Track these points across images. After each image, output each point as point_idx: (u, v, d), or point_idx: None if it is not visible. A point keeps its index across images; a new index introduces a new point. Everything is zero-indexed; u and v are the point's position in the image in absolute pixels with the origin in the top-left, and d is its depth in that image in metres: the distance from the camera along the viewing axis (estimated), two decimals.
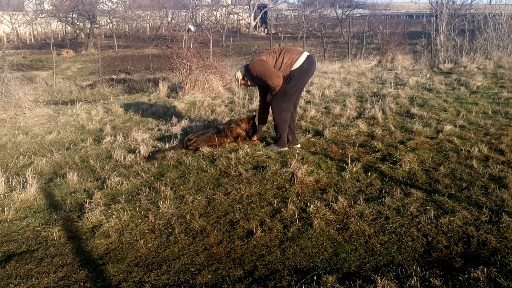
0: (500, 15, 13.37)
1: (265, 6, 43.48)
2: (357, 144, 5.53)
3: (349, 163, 4.72)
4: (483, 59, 12.39)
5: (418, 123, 6.21)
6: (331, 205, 3.81)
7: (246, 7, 42.40)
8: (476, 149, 5.01)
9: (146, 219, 3.73)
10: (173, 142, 5.83)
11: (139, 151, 5.53)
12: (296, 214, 3.65)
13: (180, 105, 8.49)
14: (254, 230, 3.44)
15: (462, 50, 13.30)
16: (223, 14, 35.95)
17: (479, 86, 9.04)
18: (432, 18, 14.49)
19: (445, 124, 6.08)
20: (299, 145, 5.57)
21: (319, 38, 25.22)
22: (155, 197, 4.16)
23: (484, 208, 3.60)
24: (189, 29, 21.74)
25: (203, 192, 4.22)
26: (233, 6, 41.81)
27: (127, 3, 36.74)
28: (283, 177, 4.53)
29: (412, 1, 16.69)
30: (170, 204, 3.94)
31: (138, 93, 10.44)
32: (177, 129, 6.41)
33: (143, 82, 11.76)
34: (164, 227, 3.60)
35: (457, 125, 6.07)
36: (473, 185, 4.12)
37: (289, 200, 3.94)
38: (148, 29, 36.28)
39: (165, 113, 8.01)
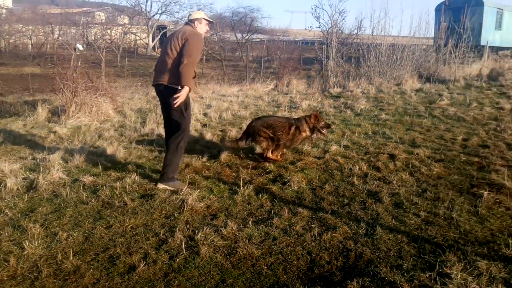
0: (380, 45, 15.15)
1: (165, 27, 43.34)
2: (251, 166, 5.70)
3: (241, 186, 4.83)
4: (367, 84, 13.85)
5: (309, 145, 6.63)
6: (220, 230, 3.83)
7: (144, 27, 41.76)
8: (357, 167, 5.52)
9: (6, 263, 3.33)
10: (49, 172, 5.35)
11: (5, 184, 4.97)
12: (184, 243, 3.60)
13: (62, 130, 7.90)
14: (137, 264, 3.29)
15: (350, 76, 14.70)
16: (118, 33, 34.84)
17: (363, 109, 10.04)
18: (323, 46, 15.82)
19: (332, 145, 6.60)
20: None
21: (219, 61, 25.80)
22: (20, 237, 3.75)
23: (361, 222, 3.95)
24: (76, 48, 20.58)
25: (81, 227, 3.93)
26: (129, 26, 40.83)
27: (3, 16, 33.58)
28: (172, 205, 4.45)
29: (306, 29, 18.12)
30: (38, 243, 3.58)
31: (11, 117, 9.45)
32: (55, 157, 5.92)
33: (19, 104, 10.71)
34: (29, 271, 3.25)
35: (341, 145, 6.64)
36: (354, 201, 4.51)
37: (177, 229, 3.87)
38: (30, 45, 33.48)
39: (43, 140, 7.37)
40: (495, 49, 24.11)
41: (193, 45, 4.62)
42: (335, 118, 9.15)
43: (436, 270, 3.16)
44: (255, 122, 5.92)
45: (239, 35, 38.17)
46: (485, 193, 4.61)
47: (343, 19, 16.49)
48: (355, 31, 16.66)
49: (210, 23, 5.04)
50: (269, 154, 5.79)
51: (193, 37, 4.68)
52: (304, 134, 5.95)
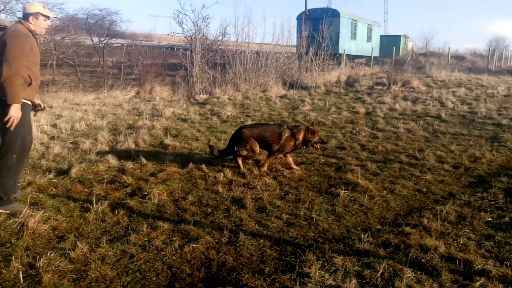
0: (245, 52, 15.95)
1: (5, 28, 38.76)
2: (106, 180, 5.45)
3: (94, 203, 4.58)
4: (233, 91, 14.43)
5: (171, 154, 6.61)
6: (68, 253, 3.57)
7: None
8: (222, 174, 5.70)
9: None
10: None
11: None
12: (21, 272, 3.25)
13: None
14: None
15: (216, 82, 15.13)
16: None
17: (229, 115, 10.43)
18: (188, 52, 15.98)
19: (196, 153, 6.70)
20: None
21: (73, 66, 24.05)
22: None
23: (225, 230, 4.08)
24: None
25: None
26: None
27: None
28: (9, 230, 4.00)
29: (169, 34, 18.04)
30: None
31: None
32: None
33: None
34: None
35: (207, 153, 6.78)
36: (217, 209, 4.64)
37: (14, 257, 3.48)
38: None
39: None
40: (352, 57, 27.41)
41: (12, 50, 4.05)
42: (200, 125, 9.31)
43: (296, 270, 3.43)
44: (245, 130, 6.08)
45: (95, 39, 36.13)
46: (342, 192, 5.18)
47: (207, 25, 16.96)
48: (220, 38, 17.26)
49: (48, 18, 4.63)
50: (240, 161, 6.03)
51: (12, 39, 4.10)
52: (296, 142, 6.13)
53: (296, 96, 13.86)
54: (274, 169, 6.11)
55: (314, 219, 4.45)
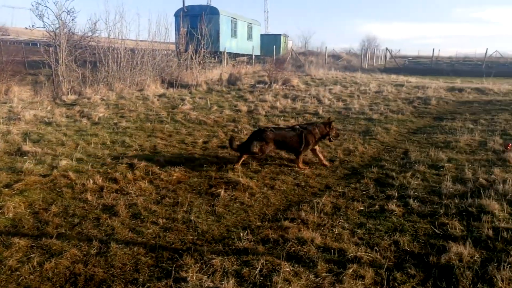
0: (119, 49, 15.30)
1: None
2: None
3: None
4: (106, 90, 13.76)
5: (30, 162, 6.05)
6: None
7: None
8: (91, 181, 5.38)
9: None
10: None
11: None
12: None
13: None
14: None
15: (86, 81, 14.26)
16: None
17: (101, 117, 9.92)
18: (51, 48, 14.77)
19: (61, 159, 6.23)
20: None
21: None
22: None
23: (94, 241, 3.85)
24: None
25: None
26: None
27: None
28: None
29: (27, 28, 16.40)
30: None
31: None
32: None
33: None
34: None
35: (74, 159, 6.35)
36: (86, 219, 4.36)
37: None
38: None
39: None
40: (233, 56, 28.02)
41: None
42: (68, 128, 8.68)
43: (172, 276, 3.38)
44: (268, 132, 6.53)
45: None
46: (222, 192, 5.25)
47: (72, 19, 15.83)
48: (90, 33, 16.30)
49: None
50: (238, 164, 6.45)
51: None
52: (317, 137, 6.75)
53: (176, 95, 13.71)
54: (150, 172, 5.95)
55: (193, 222, 4.43)
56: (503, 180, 5.62)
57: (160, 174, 5.88)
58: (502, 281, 3.26)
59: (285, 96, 14.60)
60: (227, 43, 26.88)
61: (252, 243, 3.98)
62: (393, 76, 23.68)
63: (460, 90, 16.91)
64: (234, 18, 28.59)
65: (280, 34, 41.48)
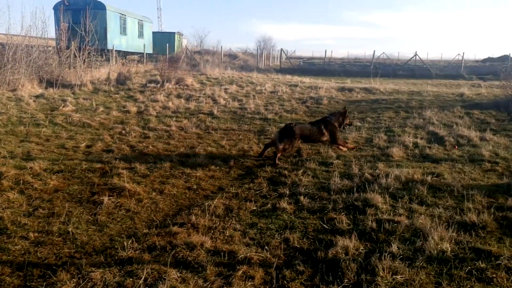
0: None
1: None
2: None
3: None
4: None
5: None
6: None
7: None
8: None
9: None
10: None
11: None
12: None
13: None
14: None
15: None
16: None
17: None
18: None
19: None
20: None
21: None
22: None
23: None
24: None
25: None
26: None
27: None
28: None
29: None
30: None
31: None
32: None
33: None
34: None
35: None
36: None
37: None
38: None
39: None
40: (123, 54, 27.01)
41: None
42: None
43: None
44: (294, 128, 7.20)
45: None
46: (106, 199, 4.98)
47: None
48: None
49: None
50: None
51: None
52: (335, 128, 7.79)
53: (56, 96, 12.82)
54: (21, 181, 5.45)
55: (71, 233, 4.14)
56: (386, 174, 6.09)
57: (34, 182, 5.42)
58: (383, 270, 3.50)
59: (179, 96, 14.42)
60: (115, 41, 25.85)
61: (137, 251, 3.82)
62: (288, 77, 24.63)
63: (350, 90, 18.09)
64: (123, 14, 27.59)
65: (174, 32, 41.01)
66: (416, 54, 36.44)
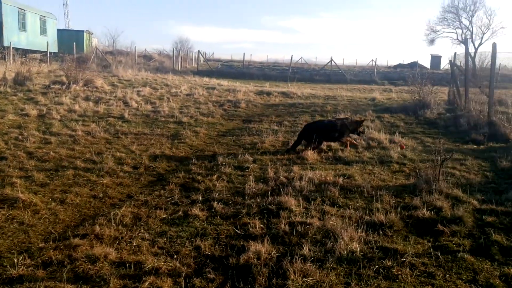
0: None
1: None
2: None
3: None
4: None
5: None
6: None
7: None
8: None
9: None
10: None
11: None
12: None
13: None
14: None
15: None
16: None
17: None
18: None
19: None
20: None
21: None
22: None
23: None
24: None
25: None
26: None
27: None
28: None
29: None
30: None
31: None
32: None
33: None
34: None
35: None
36: None
37: None
38: None
39: None
40: (22, 52, 25.34)
41: None
42: None
43: None
44: (308, 127, 8.62)
45: None
46: None
47: None
48: None
49: None
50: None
51: None
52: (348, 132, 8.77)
53: None
54: None
55: None
56: (300, 177, 6.24)
57: None
58: (294, 273, 3.57)
59: (87, 99, 13.80)
60: (13, 37, 24.24)
61: (30, 268, 3.56)
62: (206, 79, 24.57)
63: (268, 93, 18.42)
64: (21, 8, 25.94)
65: (83, 31, 39.30)
66: (332, 60, 38.09)
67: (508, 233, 4.57)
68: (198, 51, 45.01)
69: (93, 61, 27.56)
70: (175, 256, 3.91)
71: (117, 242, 4.14)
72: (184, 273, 3.58)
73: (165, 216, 4.89)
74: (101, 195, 5.53)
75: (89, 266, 3.63)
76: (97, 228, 4.36)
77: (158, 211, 5.01)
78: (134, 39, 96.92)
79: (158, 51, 53.32)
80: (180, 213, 4.99)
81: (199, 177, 6.33)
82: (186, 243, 4.20)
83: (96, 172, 6.40)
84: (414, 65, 46.40)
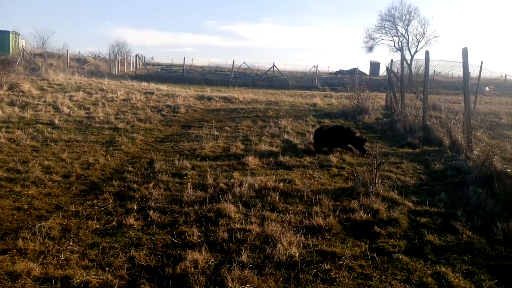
0: None
1: None
2: None
3: None
4: None
5: None
6: None
7: None
8: None
9: None
10: None
11: None
12: None
13: None
14: None
15: None
16: None
17: None
18: None
19: None
20: None
21: None
22: None
23: None
24: None
25: None
26: None
27: None
28: None
29: None
30: None
31: None
32: None
33: None
34: None
35: None
36: None
37: None
38: None
39: None
40: None
41: None
42: None
43: None
44: (319, 131, 9.45)
45: None
46: None
47: None
48: None
49: None
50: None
51: None
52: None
53: None
54: None
55: None
56: (240, 183, 6.24)
57: None
58: (232, 281, 3.54)
59: (12, 104, 13.15)
60: None
61: None
62: (144, 84, 24.15)
63: (209, 98, 18.36)
64: None
65: (8, 31, 37.41)
66: (274, 65, 38.56)
67: (440, 233, 4.80)
68: (136, 55, 44.09)
69: (20, 64, 26.34)
70: (107, 268, 3.77)
71: (42, 257, 3.94)
72: (116, 286, 3.47)
73: (97, 226, 4.72)
74: (25, 206, 5.26)
75: (10, 283, 3.43)
76: (20, 242, 4.13)
77: (90, 221, 4.82)
78: (67, 41, 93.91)
79: (93, 54, 51.83)
80: (114, 223, 4.83)
81: (135, 185, 6.18)
82: (120, 254, 4.07)
83: (21, 182, 6.09)
84: (354, 71, 47.89)
